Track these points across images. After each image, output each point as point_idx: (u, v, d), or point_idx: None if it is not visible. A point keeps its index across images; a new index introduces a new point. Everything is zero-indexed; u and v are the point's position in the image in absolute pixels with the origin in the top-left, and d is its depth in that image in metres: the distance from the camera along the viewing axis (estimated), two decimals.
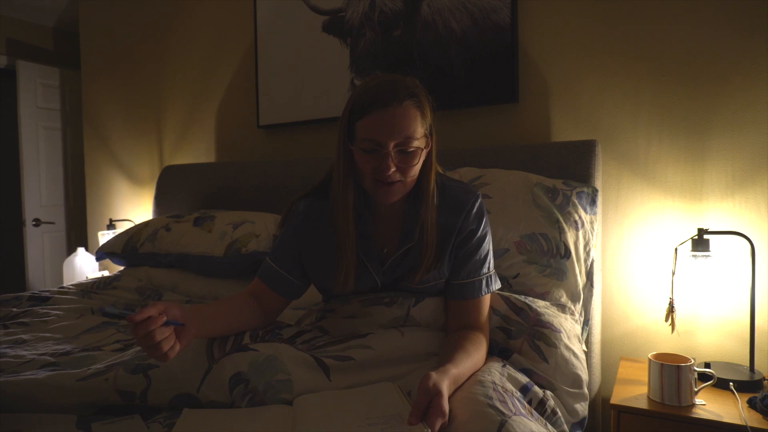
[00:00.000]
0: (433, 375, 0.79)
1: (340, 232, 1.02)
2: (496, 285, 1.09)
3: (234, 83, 2.44)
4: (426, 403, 0.75)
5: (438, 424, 0.74)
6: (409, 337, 1.03)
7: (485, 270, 1.06)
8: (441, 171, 1.11)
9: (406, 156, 0.95)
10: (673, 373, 1.20)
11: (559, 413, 0.94)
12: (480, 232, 1.06)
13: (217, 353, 0.97)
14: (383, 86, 0.95)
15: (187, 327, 0.87)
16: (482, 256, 1.06)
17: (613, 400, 1.26)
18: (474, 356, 0.94)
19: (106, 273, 2.58)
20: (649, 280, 1.56)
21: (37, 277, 3.59)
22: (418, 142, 0.96)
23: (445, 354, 0.93)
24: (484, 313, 1.06)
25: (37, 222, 3.57)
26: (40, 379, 0.93)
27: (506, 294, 1.16)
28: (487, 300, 1.07)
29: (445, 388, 0.78)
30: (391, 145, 0.93)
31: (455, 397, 0.83)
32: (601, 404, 1.51)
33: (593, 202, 1.43)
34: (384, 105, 0.93)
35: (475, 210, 1.05)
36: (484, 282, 1.06)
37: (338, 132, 1.01)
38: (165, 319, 0.81)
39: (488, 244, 1.08)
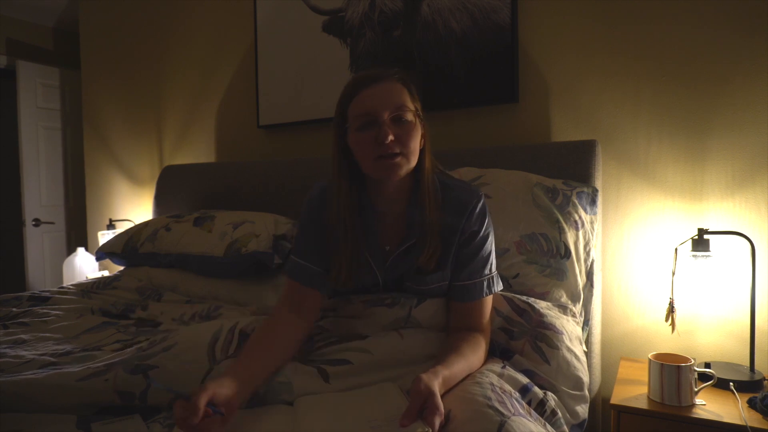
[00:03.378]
0: (424, 377, 0.79)
1: (335, 229, 1.03)
2: (498, 286, 1.08)
3: (234, 83, 2.44)
4: (419, 405, 0.75)
5: (437, 423, 0.74)
6: (409, 339, 1.03)
7: (487, 271, 1.06)
8: (441, 168, 1.11)
9: (401, 126, 0.97)
10: (673, 373, 1.20)
11: (559, 414, 0.94)
12: (482, 233, 1.05)
13: (219, 355, 0.98)
14: (368, 72, 1.01)
15: (232, 404, 0.81)
16: (484, 257, 1.06)
17: (613, 400, 1.26)
18: (469, 358, 0.94)
19: (106, 273, 2.58)
20: (649, 280, 1.56)
21: (37, 277, 3.59)
22: (411, 115, 0.98)
23: (440, 356, 0.93)
24: (486, 315, 1.05)
25: (37, 222, 3.57)
26: (40, 378, 0.93)
27: (509, 295, 1.15)
28: (488, 302, 1.07)
29: (437, 388, 0.79)
30: (386, 114, 0.96)
31: (453, 398, 0.83)
32: (601, 404, 1.51)
33: (593, 202, 1.43)
34: (371, 82, 0.98)
35: (477, 210, 1.05)
36: (485, 284, 1.05)
37: (333, 131, 1.04)
38: (209, 411, 0.75)
39: (490, 245, 1.08)
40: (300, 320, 1.03)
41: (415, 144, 0.99)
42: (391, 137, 0.95)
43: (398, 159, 0.97)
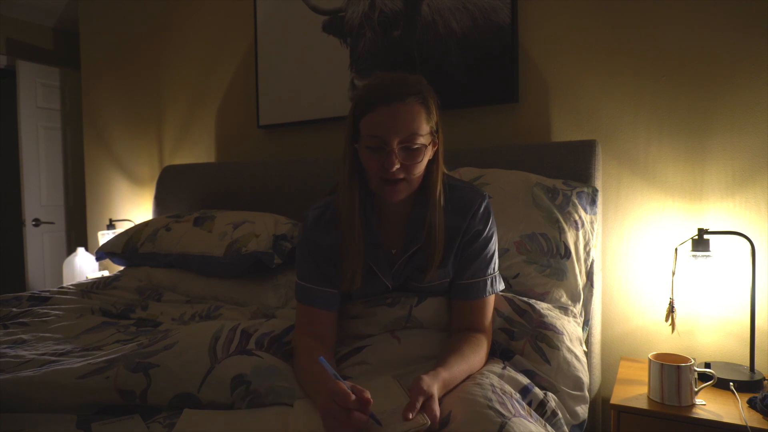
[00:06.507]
0: (426, 378, 0.79)
1: (345, 233, 1.02)
2: (500, 286, 1.09)
3: (234, 83, 2.44)
4: (420, 402, 0.76)
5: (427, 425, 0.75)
6: (407, 342, 1.03)
7: (490, 271, 1.06)
8: (446, 171, 1.10)
9: (410, 153, 0.95)
10: (673, 373, 1.20)
11: (560, 414, 0.94)
12: (486, 233, 1.06)
13: (220, 354, 0.98)
14: (386, 83, 0.95)
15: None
16: (488, 257, 1.06)
17: (613, 400, 1.26)
18: (470, 359, 0.94)
19: (106, 273, 2.58)
20: (649, 280, 1.56)
21: (37, 277, 3.59)
22: (423, 139, 0.95)
23: (441, 357, 0.93)
24: (488, 314, 1.05)
25: (37, 222, 3.57)
26: (39, 376, 0.93)
27: (510, 295, 1.16)
28: (491, 301, 1.07)
29: (435, 392, 0.79)
30: (395, 141, 0.93)
31: (454, 398, 0.83)
32: (601, 404, 1.51)
33: (593, 202, 1.43)
34: (387, 101, 0.93)
35: (481, 211, 1.05)
36: (488, 282, 1.05)
37: (345, 132, 1.01)
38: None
39: (494, 245, 1.08)
40: (320, 343, 1.02)
41: (421, 167, 0.98)
42: (396, 166, 0.94)
43: (401, 185, 0.97)
